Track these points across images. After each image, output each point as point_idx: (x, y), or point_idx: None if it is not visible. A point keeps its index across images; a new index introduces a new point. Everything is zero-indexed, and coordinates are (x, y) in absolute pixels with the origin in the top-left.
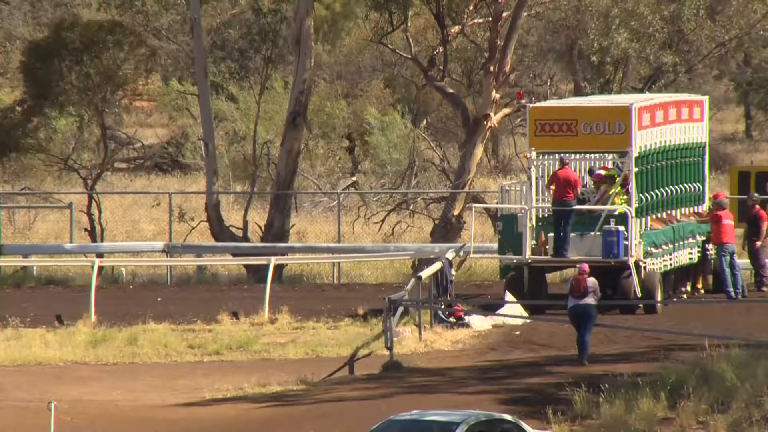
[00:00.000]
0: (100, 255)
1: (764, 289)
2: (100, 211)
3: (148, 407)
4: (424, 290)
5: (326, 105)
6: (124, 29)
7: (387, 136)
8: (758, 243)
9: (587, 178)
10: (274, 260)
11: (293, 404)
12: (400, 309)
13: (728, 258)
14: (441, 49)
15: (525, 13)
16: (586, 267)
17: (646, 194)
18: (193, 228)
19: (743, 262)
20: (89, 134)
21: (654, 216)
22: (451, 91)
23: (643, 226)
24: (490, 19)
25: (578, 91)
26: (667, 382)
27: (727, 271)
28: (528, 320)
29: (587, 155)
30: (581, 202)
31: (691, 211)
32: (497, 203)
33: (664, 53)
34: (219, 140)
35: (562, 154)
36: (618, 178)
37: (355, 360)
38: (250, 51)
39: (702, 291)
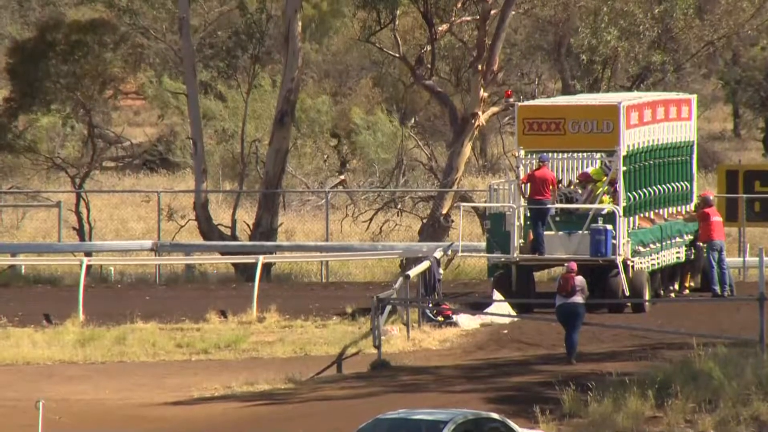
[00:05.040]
0: (88, 254)
1: None
2: (88, 210)
3: (136, 406)
4: (412, 289)
5: (306, 101)
6: (110, 28)
7: (374, 135)
8: None
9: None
10: (262, 259)
11: (281, 403)
12: (388, 308)
13: (716, 255)
14: (429, 47)
15: (513, 11)
16: (574, 265)
17: (634, 193)
18: (182, 227)
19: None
20: (76, 133)
21: (642, 215)
22: (439, 89)
23: (631, 225)
24: (478, 17)
25: (566, 90)
26: (655, 380)
27: (715, 268)
28: (516, 319)
29: (575, 154)
30: (570, 201)
31: (679, 211)
32: (485, 202)
33: (653, 52)
34: (207, 139)
35: (541, 154)
36: (605, 178)
37: (343, 359)
38: (238, 50)
39: (687, 290)
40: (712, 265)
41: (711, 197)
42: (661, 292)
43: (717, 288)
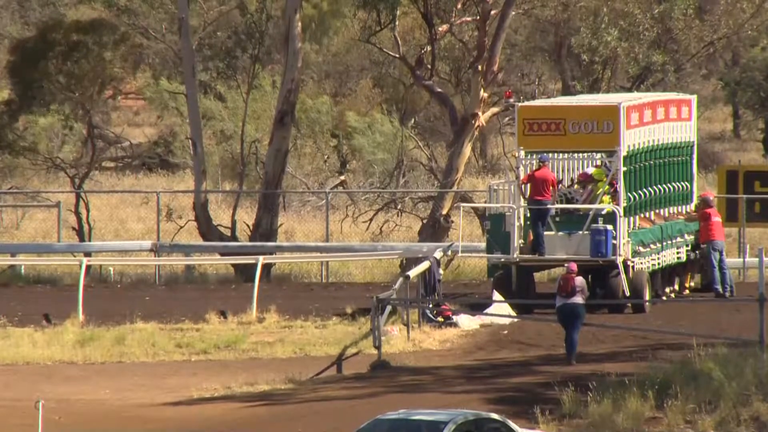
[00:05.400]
0: (88, 254)
1: None
2: (87, 210)
3: (135, 406)
4: (412, 289)
5: (306, 101)
6: (109, 28)
7: (371, 136)
8: None
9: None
10: (262, 259)
11: (281, 403)
12: (388, 308)
13: (717, 255)
14: (429, 48)
15: (513, 12)
16: (574, 266)
17: (634, 193)
18: (182, 227)
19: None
20: (76, 133)
21: (642, 215)
22: (439, 90)
23: (632, 225)
24: (478, 17)
25: (566, 90)
26: (655, 381)
27: (717, 268)
28: (516, 319)
29: (575, 154)
30: (570, 201)
31: (679, 211)
32: (485, 202)
33: (653, 52)
34: (207, 139)
35: (541, 154)
36: (605, 178)
37: (343, 359)
38: (238, 50)
39: (687, 291)
40: (713, 265)
41: (711, 197)
42: (666, 291)
43: (719, 287)
